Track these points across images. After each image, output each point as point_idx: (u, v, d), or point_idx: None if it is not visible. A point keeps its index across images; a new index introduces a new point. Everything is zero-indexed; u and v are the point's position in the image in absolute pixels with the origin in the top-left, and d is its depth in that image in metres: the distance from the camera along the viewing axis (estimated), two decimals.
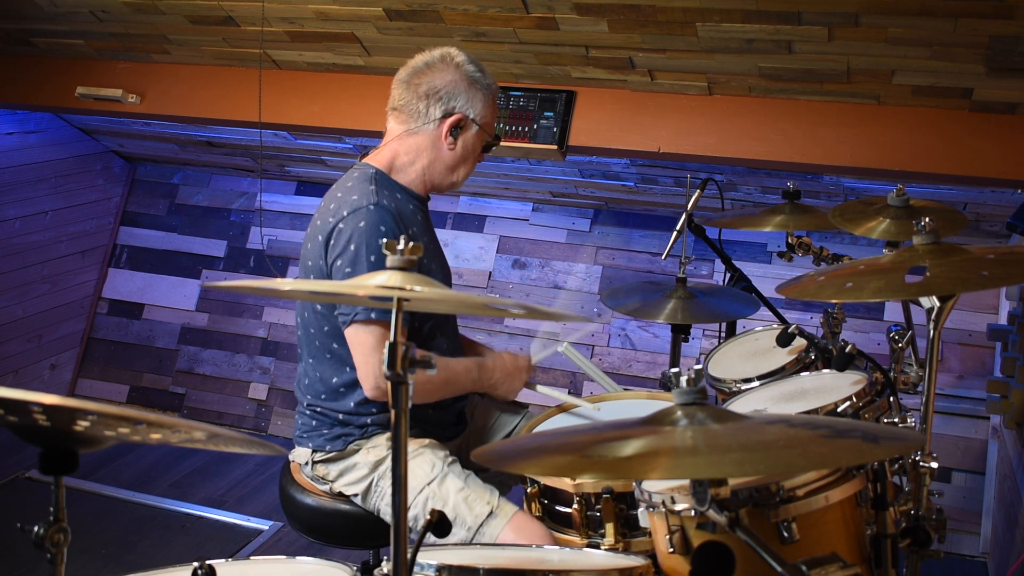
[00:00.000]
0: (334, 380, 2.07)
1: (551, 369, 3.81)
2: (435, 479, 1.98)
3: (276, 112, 3.20)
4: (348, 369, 2.03)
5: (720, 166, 3.13)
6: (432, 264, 2.13)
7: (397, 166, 2.10)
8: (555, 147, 2.88)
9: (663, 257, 2.46)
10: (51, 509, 1.07)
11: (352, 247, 1.94)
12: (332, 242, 1.97)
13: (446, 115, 2.06)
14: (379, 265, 1.93)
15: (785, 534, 1.32)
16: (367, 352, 1.94)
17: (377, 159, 2.11)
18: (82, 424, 1.01)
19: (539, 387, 2.27)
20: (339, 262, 1.96)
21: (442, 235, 4.04)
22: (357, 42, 2.98)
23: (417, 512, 1.95)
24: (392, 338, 1.12)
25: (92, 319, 4.43)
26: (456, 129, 2.07)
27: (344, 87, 3.20)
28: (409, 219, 2.06)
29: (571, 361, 2.31)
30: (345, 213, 1.97)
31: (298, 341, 2.16)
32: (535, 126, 2.90)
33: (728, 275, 2.58)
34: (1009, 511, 2.92)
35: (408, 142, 2.09)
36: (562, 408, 2.19)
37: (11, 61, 3.57)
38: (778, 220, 2.43)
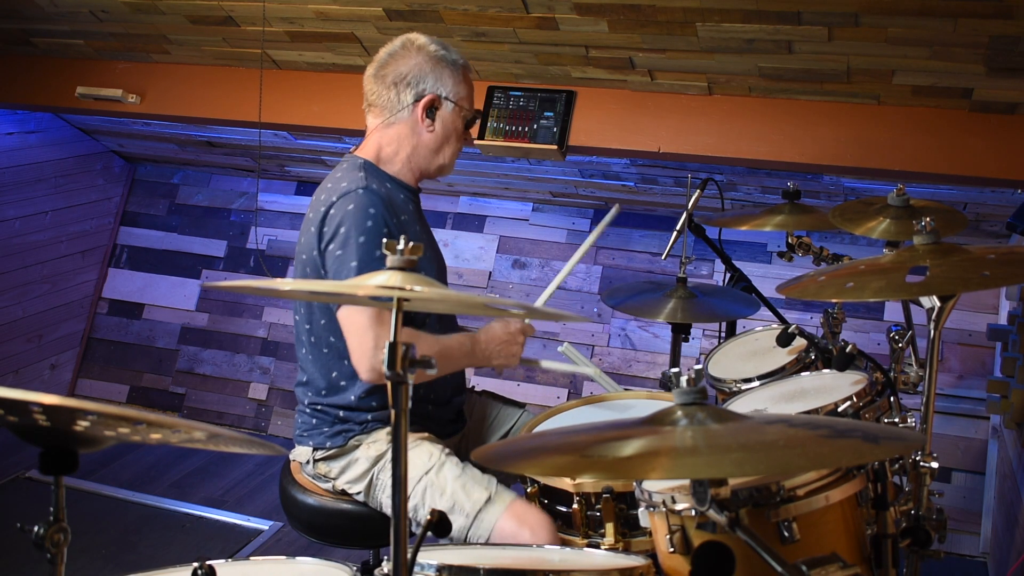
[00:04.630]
0: (333, 374, 2.07)
1: (551, 369, 3.81)
2: (432, 468, 1.98)
3: (276, 112, 3.21)
4: (346, 363, 2.03)
5: (720, 166, 3.13)
6: (426, 253, 2.12)
7: (383, 158, 2.11)
8: (555, 147, 2.88)
9: (663, 257, 2.46)
10: (51, 509, 1.07)
11: (342, 229, 1.94)
12: (324, 228, 1.98)
13: (418, 98, 2.06)
14: (368, 247, 1.93)
15: (785, 534, 1.32)
16: (360, 332, 1.92)
17: (364, 151, 2.11)
18: (82, 424, 1.01)
19: (543, 362, 2.25)
20: (331, 246, 1.96)
21: (442, 235, 4.04)
22: (357, 42, 2.98)
23: (416, 502, 1.95)
24: (392, 338, 1.12)
25: (92, 319, 4.43)
26: (432, 110, 2.08)
27: (344, 87, 3.20)
28: (400, 207, 2.06)
29: (571, 361, 2.31)
30: (335, 199, 1.98)
31: (295, 338, 2.16)
32: (535, 126, 2.90)
33: (728, 275, 2.58)
34: (1009, 511, 2.92)
35: (388, 133, 2.09)
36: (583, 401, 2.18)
37: (11, 61, 3.57)
38: (778, 220, 2.43)
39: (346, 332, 1.96)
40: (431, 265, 2.14)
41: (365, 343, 1.91)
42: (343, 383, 2.06)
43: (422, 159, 2.12)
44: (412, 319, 2.07)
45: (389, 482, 2.02)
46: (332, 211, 1.97)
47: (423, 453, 2.01)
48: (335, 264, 1.95)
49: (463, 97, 2.11)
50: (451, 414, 2.23)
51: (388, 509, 2.05)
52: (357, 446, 2.07)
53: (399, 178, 2.12)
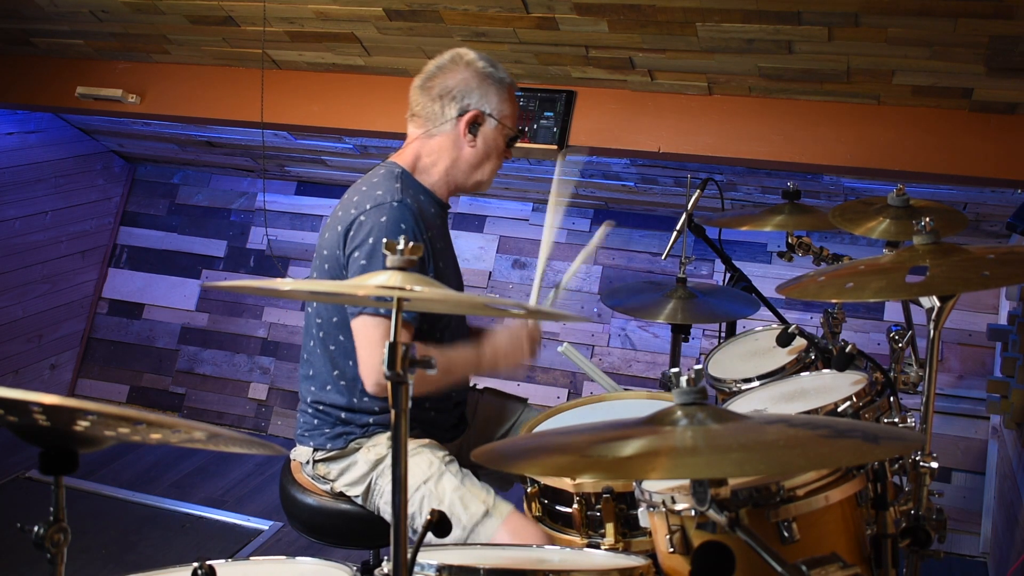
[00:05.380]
0: (335, 373, 2.07)
1: (551, 369, 3.81)
2: (431, 477, 1.98)
3: (276, 112, 3.21)
4: (351, 363, 2.03)
5: (720, 166, 3.13)
6: (447, 270, 2.12)
7: (420, 167, 2.10)
8: (555, 147, 2.88)
9: (663, 257, 2.46)
10: (51, 509, 1.07)
11: (370, 240, 1.94)
12: (352, 233, 1.97)
13: (462, 113, 2.06)
14: None
15: (785, 534, 1.32)
16: (372, 345, 1.93)
17: (402, 158, 2.11)
18: (82, 424, 1.01)
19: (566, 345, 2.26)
20: (356, 254, 1.96)
21: None
22: (357, 42, 2.98)
23: (414, 510, 1.95)
24: (392, 338, 1.12)
25: (92, 319, 4.43)
26: (475, 126, 2.07)
27: (344, 87, 3.20)
28: (430, 221, 2.06)
29: (571, 361, 2.31)
30: (368, 206, 1.97)
31: (304, 330, 2.15)
32: (535, 126, 2.90)
33: (728, 275, 2.58)
34: (1009, 511, 2.92)
35: (429, 144, 2.09)
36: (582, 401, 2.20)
37: (11, 61, 3.57)
38: (778, 220, 2.43)
39: (358, 343, 1.96)
40: (451, 281, 2.14)
41: (375, 357, 1.91)
42: (343, 383, 2.06)
43: (460, 173, 2.11)
44: (427, 336, 2.06)
45: (387, 488, 2.02)
46: (363, 218, 1.96)
47: (423, 462, 2.00)
48: (359, 273, 1.94)
49: (507, 115, 2.10)
50: (453, 419, 2.22)
51: (385, 515, 2.05)
52: (357, 449, 2.06)
53: (433, 191, 2.11)
